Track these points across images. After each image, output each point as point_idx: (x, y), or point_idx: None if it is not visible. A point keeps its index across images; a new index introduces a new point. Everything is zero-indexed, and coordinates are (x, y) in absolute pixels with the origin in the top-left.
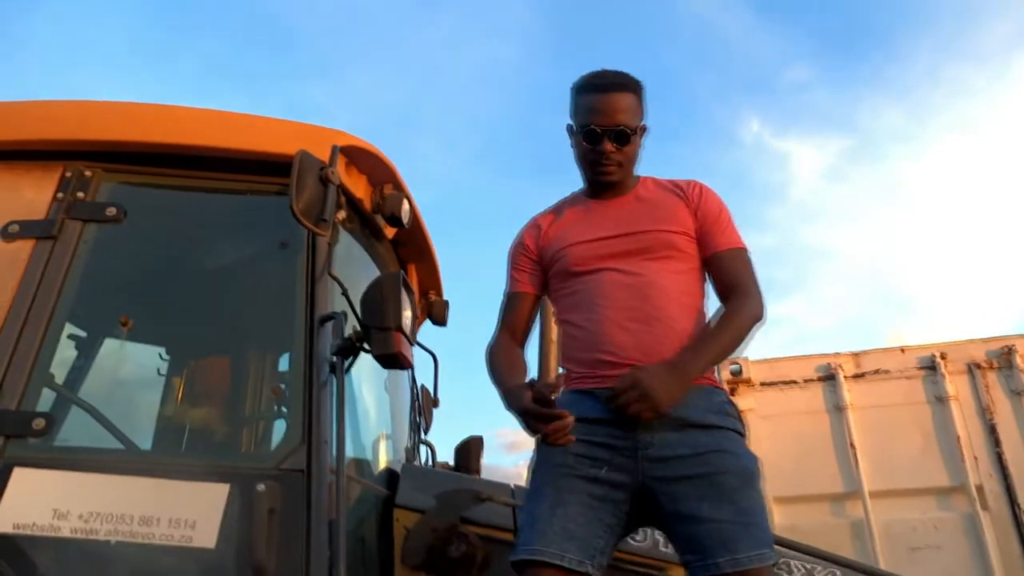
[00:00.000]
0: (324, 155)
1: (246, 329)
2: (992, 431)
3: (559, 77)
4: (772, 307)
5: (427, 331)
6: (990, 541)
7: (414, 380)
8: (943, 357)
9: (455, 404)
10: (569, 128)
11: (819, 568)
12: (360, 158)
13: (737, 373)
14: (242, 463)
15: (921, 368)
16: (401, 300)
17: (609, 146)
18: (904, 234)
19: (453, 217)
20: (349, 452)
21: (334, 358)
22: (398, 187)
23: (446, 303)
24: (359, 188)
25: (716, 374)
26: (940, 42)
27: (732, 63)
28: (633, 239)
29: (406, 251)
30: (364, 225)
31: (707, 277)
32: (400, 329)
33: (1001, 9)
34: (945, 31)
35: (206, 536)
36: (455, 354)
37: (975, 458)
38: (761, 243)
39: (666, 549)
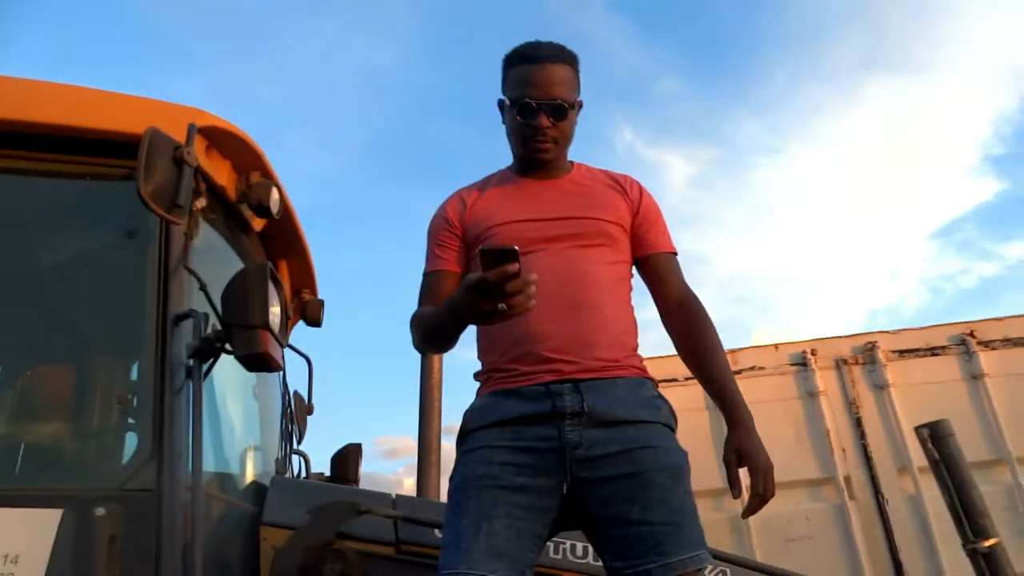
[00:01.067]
0: (180, 135)
1: (88, 331)
2: (858, 424)
3: (438, 81)
4: (645, 311)
5: (301, 333)
6: (857, 529)
7: (286, 386)
8: (813, 353)
9: (332, 412)
10: (500, 103)
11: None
12: (223, 141)
13: None
14: (79, 484)
15: (793, 364)
16: (268, 295)
17: (545, 121)
18: (765, 240)
19: (330, 218)
20: (210, 466)
21: (190, 361)
22: (267, 175)
23: (321, 302)
24: (222, 175)
25: (643, 361)
26: (795, 62)
27: (605, 72)
28: (566, 224)
29: (276, 245)
30: (228, 216)
31: (635, 274)
32: (267, 327)
33: (846, 34)
34: (799, 52)
35: (32, 572)
36: (331, 358)
37: (843, 450)
38: None
39: (556, 556)
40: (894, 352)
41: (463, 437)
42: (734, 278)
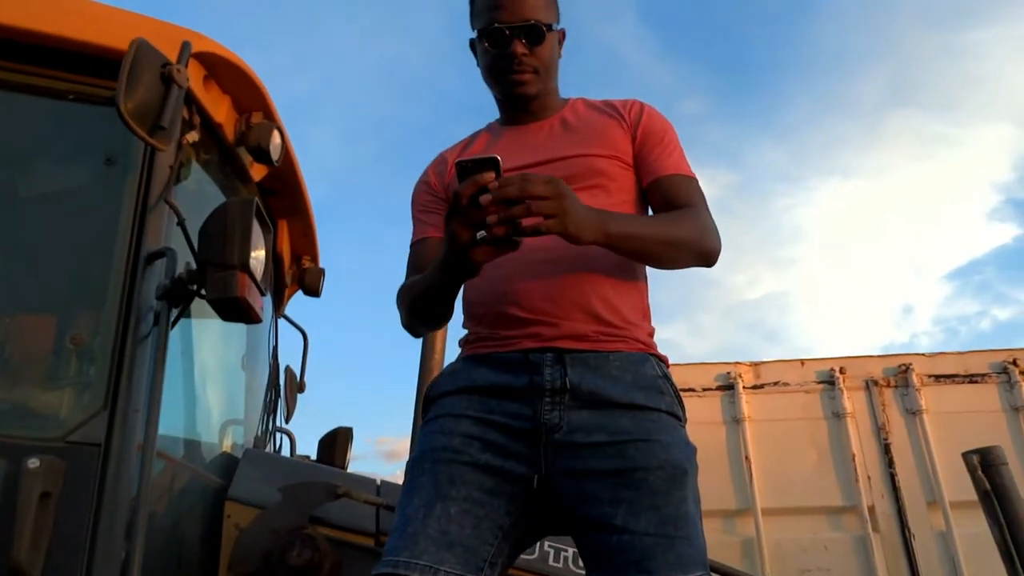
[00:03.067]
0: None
1: (51, 266)
2: (886, 451)
3: (462, 87)
4: (656, 329)
5: (301, 307)
6: (879, 564)
7: (276, 358)
8: (842, 372)
9: (337, 405)
10: (471, 43)
11: None
12: (224, 74)
13: None
14: (16, 432)
15: (820, 382)
16: (251, 233)
17: (519, 47)
18: (778, 269)
19: (345, 213)
20: (177, 430)
21: (158, 304)
22: (270, 117)
23: (322, 271)
24: (220, 111)
25: (653, 338)
26: (821, 92)
27: (631, 90)
28: (552, 167)
29: (278, 203)
30: (225, 161)
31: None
32: (246, 269)
33: (874, 68)
34: (826, 82)
35: None
36: (339, 354)
37: (868, 478)
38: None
39: (556, 564)
40: (929, 376)
41: (426, 406)
42: (745, 304)
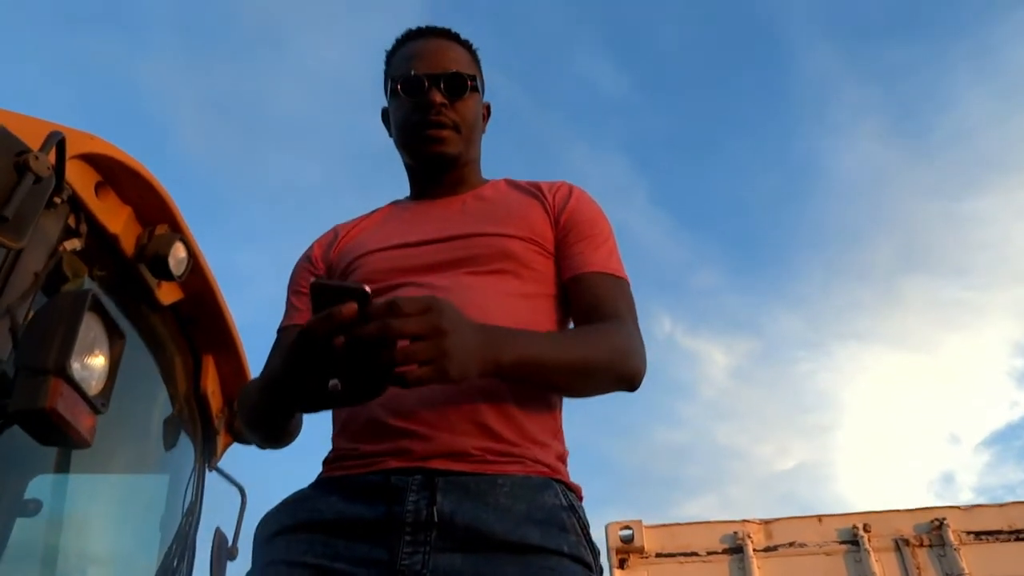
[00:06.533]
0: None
1: None
2: None
3: None
4: (683, 505)
5: (239, 460)
6: None
7: (192, 515)
8: (866, 530)
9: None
10: (384, 112)
11: None
12: (124, 181)
13: (628, 539)
14: None
15: (842, 542)
16: (77, 332)
17: (438, 96)
18: (805, 437)
19: None
20: None
21: None
22: (177, 230)
23: None
24: (116, 221)
25: (565, 463)
26: (829, 261)
27: (646, 265)
28: (452, 246)
29: (201, 335)
30: (126, 278)
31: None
32: (62, 374)
33: (880, 236)
34: (834, 251)
35: None
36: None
37: None
38: (673, 439)
39: None
40: (968, 533)
41: (257, 549)
42: (776, 476)
